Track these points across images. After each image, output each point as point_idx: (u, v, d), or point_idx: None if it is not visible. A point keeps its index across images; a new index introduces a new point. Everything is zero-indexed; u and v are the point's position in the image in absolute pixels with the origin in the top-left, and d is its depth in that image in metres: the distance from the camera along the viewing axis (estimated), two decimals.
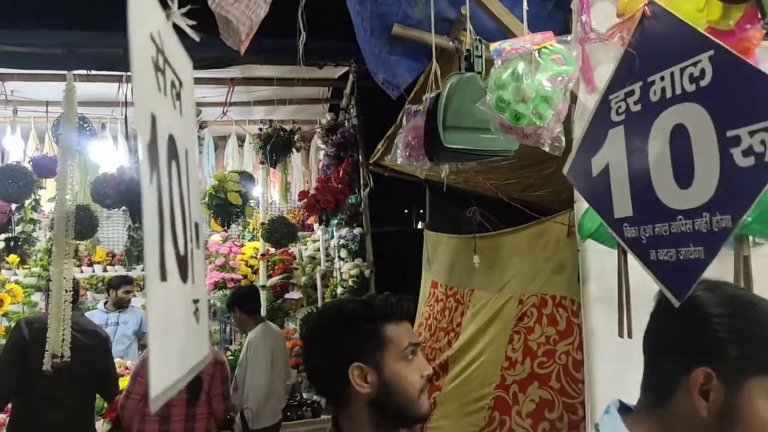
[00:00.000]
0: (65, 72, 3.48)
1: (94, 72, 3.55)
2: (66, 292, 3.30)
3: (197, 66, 3.05)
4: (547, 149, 1.29)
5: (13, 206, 3.70)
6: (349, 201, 4.24)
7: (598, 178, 1.15)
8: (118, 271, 5.94)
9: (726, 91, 0.85)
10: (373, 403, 1.07)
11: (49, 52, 3.42)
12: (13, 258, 4.80)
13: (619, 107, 1.07)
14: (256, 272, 5.40)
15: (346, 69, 4.21)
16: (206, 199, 3.57)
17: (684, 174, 0.91)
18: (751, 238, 1.19)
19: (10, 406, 3.19)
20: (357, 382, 1.06)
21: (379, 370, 1.07)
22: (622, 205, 1.06)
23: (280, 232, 3.87)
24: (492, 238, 3.01)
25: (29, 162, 3.74)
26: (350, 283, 4.33)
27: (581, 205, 1.82)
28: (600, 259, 1.91)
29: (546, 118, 1.29)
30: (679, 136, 0.92)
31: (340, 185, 4.01)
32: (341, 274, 4.47)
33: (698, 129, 0.88)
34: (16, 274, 5.13)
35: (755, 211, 0.83)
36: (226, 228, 3.78)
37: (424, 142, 1.69)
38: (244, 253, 5.45)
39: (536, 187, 3.36)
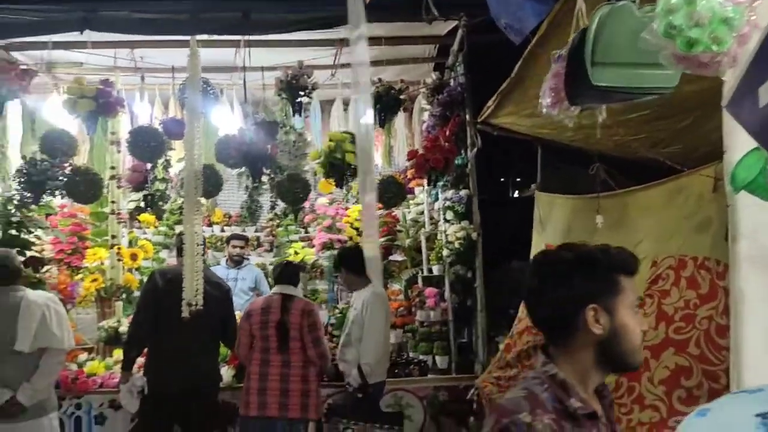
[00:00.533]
0: (189, 37, 3.70)
1: (215, 36, 3.72)
2: (197, 245, 3.57)
3: (306, 27, 3.08)
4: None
5: (148, 166, 4.01)
6: (456, 162, 4.17)
7: (766, 110, 1.01)
8: (234, 231, 6.37)
9: None
10: (600, 345, 1.14)
11: (174, 17, 3.61)
12: (144, 217, 5.28)
13: None
14: (361, 234, 5.52)
15: (454, 24, 4.08)
16: (321, 158, 3.67)
17: None
18: None
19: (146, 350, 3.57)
20: (591, 323, 1.13)
21: (612, 315, 1.14)
22: None
23: (390, 192, 3.90)
24: (618, 196, 2.82)
25: (159, 124, 4.03)
26: (456, 245, 4.29)
27: (733, 155, 1.65)
28: (754, 215, 1.73)
29: (726, 43, 1.14)
30: None
31: (447, 144, 3.94)
32: (446, 236, 4.43)
33: None
34: (145, 233, 5.67)
35: None
36: (341, 187, 3.87)
37: (564, 85, 1.59)
38: (349, 216, 5.58)
39: (666, 143, 3.09)
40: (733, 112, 1.10)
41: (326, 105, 5.53)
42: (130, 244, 5.10)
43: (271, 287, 3.75)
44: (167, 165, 4.19)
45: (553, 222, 3.55)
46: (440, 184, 4.35)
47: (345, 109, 5.30)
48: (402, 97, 4.02)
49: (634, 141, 3.05)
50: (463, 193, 4.30)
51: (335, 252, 5.31)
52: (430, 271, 4.85)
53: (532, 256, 3.72)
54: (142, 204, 4.17)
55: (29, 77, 3.86)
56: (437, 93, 4.49)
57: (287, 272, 3.68)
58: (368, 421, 3.40)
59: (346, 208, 5.74)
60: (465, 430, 4.00)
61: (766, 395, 0.76)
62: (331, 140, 3.72)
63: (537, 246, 3.70)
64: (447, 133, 4.25)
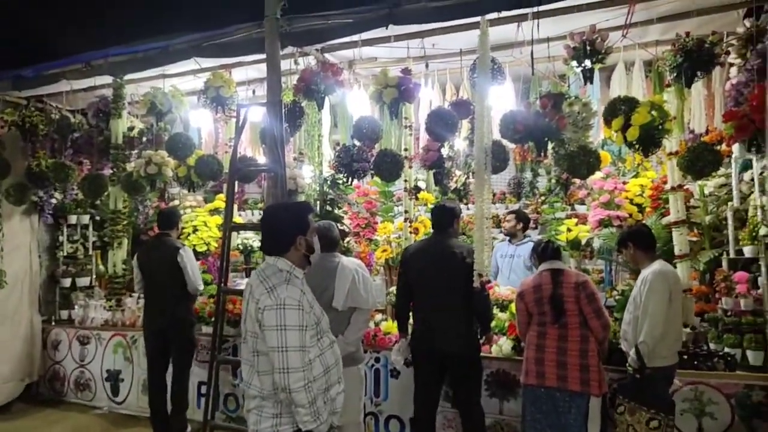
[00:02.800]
0: (478, 19, 3.86)
1: (503, 13, 3.81)
2: (485, 219, 3.76)
3: None
4: None
5: (439, 145, 4.36)
6: None
7: None
8: (498, 209, 6.54)
9: None
10: None
11: (465, 1, 3.79)
12: (424, 195, 5.77)
13: None
14: (642, 211, 5.10)
15: None
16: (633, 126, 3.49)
17: None
18: None
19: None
20: None
21: None
22: None
23: (704, 160, 3.50)
24: None
25: (448, 106, 4.34)
26: None
27: None
28: None
29: None
30: None
31: None
32: (765, 211, 3.79)
33: None
34: (419, 211, 6.19)
35: None
36: (647, 156, 3.63)
37: None
38: (628, 191, 5.20)
39: None
40: None
41: (602, 71, 5.25)
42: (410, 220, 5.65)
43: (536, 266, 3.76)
44: (451, 144, 4.48)
45: None
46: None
47: (627, 74, 4.94)
48: (716, 51, 3.53)
49: None
50: None
51: (612, 230, 5.03)
52: (738, 253, 4.22)
53: None
54: (429, 182, 4.53)
55: (340, 74, 4.53)
56: (753, 43, 3.84)
57: (550, 248, 3.69)
58: (639, 402, 3.31)
59: (624, 183, 5.35)
60: None
61: None
62: (647, 106, 3.50)
63: None
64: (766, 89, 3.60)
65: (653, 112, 3.54)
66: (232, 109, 5.01)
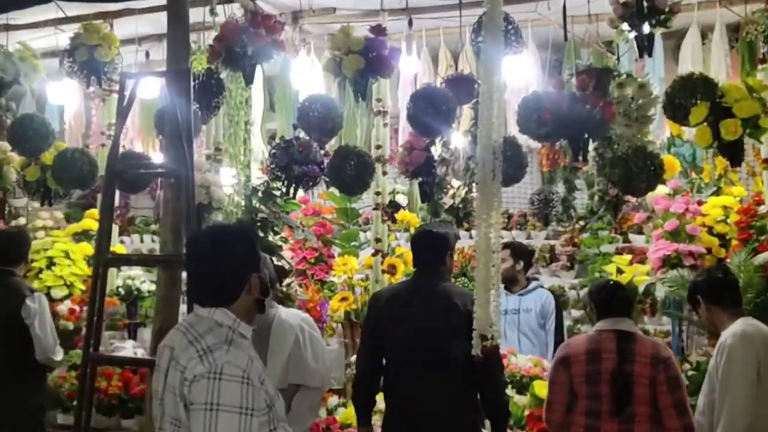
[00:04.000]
0: None
1: None
2: (492, 253, 3.80)
3: None
4: None
5: (427, 142, 4.40)
6: None
7: None
8: (513, 236, 6.60)
9: None
10: None
11: None
12: (404, 215, 5.80)
13: None
14: (726, 244, 5.20)
15: None
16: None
17: None
18: None
19: None
20: None
21: None
22: None
23: None
24: None
25: (441, 83, 4.38)
26: None
27: None
28: None
29: None
30: None
31: None
32: None
33: None
34: (397, 238, 6.22)
35: None
36: (738, 164, 3.75)
37: None
38: (706, 215, 5.30)
39: None
40: None
41: (668, 40, 5.40)
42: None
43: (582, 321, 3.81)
44: (446, 142, 4.53)
45: None
46: None
47: (704, 43, 5.10)
48: None
49: None
50: None
51: (684, 272, 5.10)
52: None
53: None
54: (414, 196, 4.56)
55: (279, 32, 4.54)
56: None
57: (619, 298, 3.68)
58: None
59: (700, 203, 5.46)
60: None
61: None
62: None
63: None
64: None
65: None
66: (113, 81, 4.96)
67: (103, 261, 3.91)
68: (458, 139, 5.23)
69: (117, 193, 4.76)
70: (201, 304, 2.41)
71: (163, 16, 4.28)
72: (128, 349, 5.39)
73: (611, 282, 3.94)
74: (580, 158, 4.08)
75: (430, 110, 4.20)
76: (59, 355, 4.58)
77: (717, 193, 5.71)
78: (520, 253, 5.49)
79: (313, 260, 5.70)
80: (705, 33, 5.21)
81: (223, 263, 2.42)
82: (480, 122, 3.86)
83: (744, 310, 3.89)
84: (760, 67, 4.25)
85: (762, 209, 4.49)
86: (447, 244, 3.85)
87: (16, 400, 4.42)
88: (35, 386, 4.56)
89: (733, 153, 3.76)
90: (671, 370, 3.45)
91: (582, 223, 6.64)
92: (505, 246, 5.52)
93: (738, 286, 3.83)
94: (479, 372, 3.63)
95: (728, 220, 5.22)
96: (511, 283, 5.40)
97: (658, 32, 4.19)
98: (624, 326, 3.57)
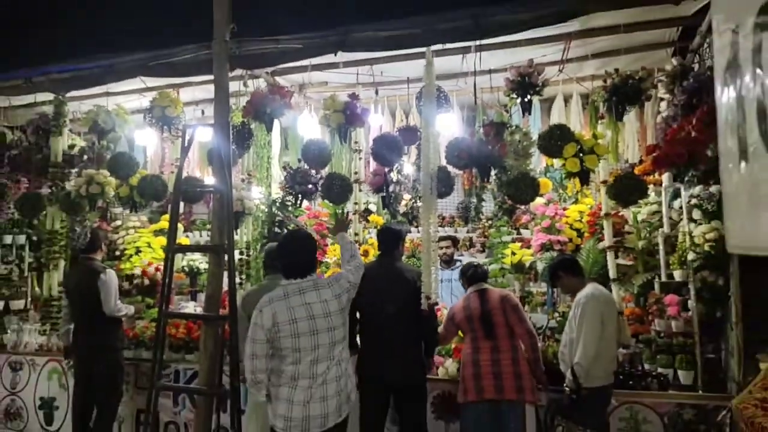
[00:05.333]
0: (424, 49, 3.94)
1: (448, 45, 3.90)
2: (432, 242, 3.80)
3: (539, 24, 3.02)
4: None
5: (386, 169, 4.39)
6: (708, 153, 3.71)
7: None
8: (447, 232, 6.62)
9: None
10: None
11: (412, 32, 3.87)
12: (374, 217, 5.80)
13: None
14: (581, 236, 5.27)
15: (704, 2, 3.67)
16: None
17: None
18: None
19: None
20: None
21: None
22: None
23: (629, 189, 3.67)
24: None
25: (396, 132, 4.38)
26: (705, 248, 3.83)
27: None
28: None
29: None
30: None
31: (696, 134, 3.54)
32: (693, 238, 3.98)
33: None
34: (369, 233, 6.20)
35: None
36: (586, 184, 3.79)
37: None
38: (569, 216, 5.37)
39: None
40: None
41: (542, 102, 5.45)
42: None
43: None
44: (400, 169, 4.52)
45: None
46: (686, 179, 3.92)
47: (566, 105, 5.15)
48: (643, 86, 3.73)
49: None
50: (714, 189, 3.82)
51: (554, 254, 5.16)
52: (669, 276, 4.41)
53: None
54: (380, 205, 4.55)
55: (290, 97, 4.51)
56: (679, 80, 4.08)
57: (479, 272, 3.92)
58: (575, 421, 3.48)
59: (565, 209, 5.53)
60: None
61: None
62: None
63: None
64: (693, 123, 3.82)
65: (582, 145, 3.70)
66: (178, 129, 4.92)
67: (172, 249, 3.87)
68: (408, 167, 5.20)
69: (182, 203, 4.75)
70: (307, 274, 2.98)
71: (212, 86, 4.25)
72: (190, 307, 5.35)
73: (473, 264, 4.06)
74: (487, 180, 4.11)
75: (386, 149, 4.22)
76: (122, 312, 4.51)
77: (576, 202, 5.78)
78: (455, 242, 5.69)
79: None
80: (567, 99, 5.29)
81: (312, 252, 3.10)
82: (422, 157, 3.90)
83: (591, 279, 3.97)
84: (600, 122, 4.30)
85: (602, 213, 4.55)
86: (400, 236, 3.89)
87: (96, 341, 4.40)
88: (110, 332, 4.49)
89: (582, 177, 3.76)
90: (511, 300, 3.72)
91: (490, 222, 6.70)
92: (447, 238, 5.68)
93: (579, 263, 3.99)
94: (424, 320, 3.71)
95: (582, 220, 5.33)
96: (448, 262, 5.53)
97: (536, 99, 4.26)
98: (481, 287, 3.82)
